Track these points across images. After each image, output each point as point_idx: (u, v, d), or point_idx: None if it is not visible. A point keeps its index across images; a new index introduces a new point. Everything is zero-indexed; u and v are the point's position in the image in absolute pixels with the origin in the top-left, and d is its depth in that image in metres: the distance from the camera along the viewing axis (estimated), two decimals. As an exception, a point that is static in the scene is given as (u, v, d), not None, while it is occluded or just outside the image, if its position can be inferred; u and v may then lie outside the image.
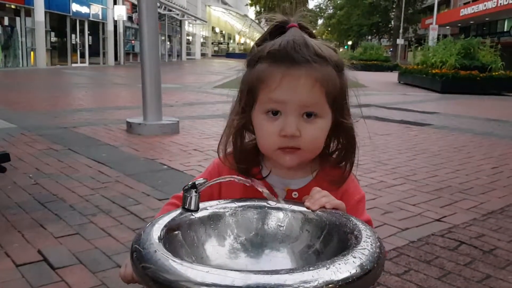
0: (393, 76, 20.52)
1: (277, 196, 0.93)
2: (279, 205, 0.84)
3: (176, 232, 0.75)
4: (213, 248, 0.78)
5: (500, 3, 28.40)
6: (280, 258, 0.79)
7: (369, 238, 0.68)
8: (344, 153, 0.96)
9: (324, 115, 0.89)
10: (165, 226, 0.74)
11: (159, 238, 0.69)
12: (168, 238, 0.71)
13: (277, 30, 0.91)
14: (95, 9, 25.42)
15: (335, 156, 0.98)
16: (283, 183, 0.96)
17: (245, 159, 0.97)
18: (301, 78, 0.84)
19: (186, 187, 0.80)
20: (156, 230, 0.71)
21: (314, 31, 0.95)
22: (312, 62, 0.85)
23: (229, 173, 0.98)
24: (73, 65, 23.58)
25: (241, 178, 0.84)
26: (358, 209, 0.95)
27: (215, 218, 0.81)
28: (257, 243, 0.80)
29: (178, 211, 0.80)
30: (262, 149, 0.93)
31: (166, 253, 0.63)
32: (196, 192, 0.80)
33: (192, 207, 0.79)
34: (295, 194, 0.95)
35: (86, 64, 24.83)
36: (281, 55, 0.85)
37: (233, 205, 0.84)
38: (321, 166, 0.97)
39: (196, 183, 0.80)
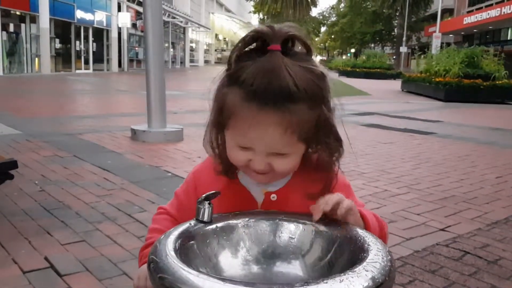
0: (396, 84, 20.55)
1: (255, 202, 0.94)
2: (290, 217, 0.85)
3: (191, 243, 0.76)
4: (226, 259, 0.80)
5: (504, 12, 28.47)
6: (292, 270, 0.80)
7: (380, 251, 0.70)
8: (324, 154, 0.92)
9: (295, 149, 0.86)
10: (180, 237, 0.75)
11: (175, 249, 0.70)
12: (183, 249, 0.73)
13: (258, 44, 0.85)
14: (100, 16, 25.57)
15: (316, 156, 0.93)
16: (260, 186, 0.94)
17: (224, 160, 0.94)
18: (270, 127, 0.81)
19: (200, 199, 0.81)
20: (172, 241, 0.73)
21: (304, 41, 0.87)
22: (283, 108, 0.80)
23: (207, 180, 0.99)
24: (77, 71, 23.69)
25: None
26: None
27: (228, 230, 0.83)
28: (269, 255, 0.82)
29: (192, 222, 0.82)
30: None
31: (183, 264, 0.65)
32: (209, 204, 0.81)
33: (206, 219, 0.81)
34: (273, 197, 0.93)
35: (90, 71, 24.95)
36: (253, 93, 0.80)
37: (246, 216, 0.85)
38: (300, 165, 0.92)
39: (209, 195, 0.81)
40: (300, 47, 0.88)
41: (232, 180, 0.96)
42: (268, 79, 0.78)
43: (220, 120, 0.88)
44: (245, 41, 0.85)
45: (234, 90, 0.83)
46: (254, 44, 0.86)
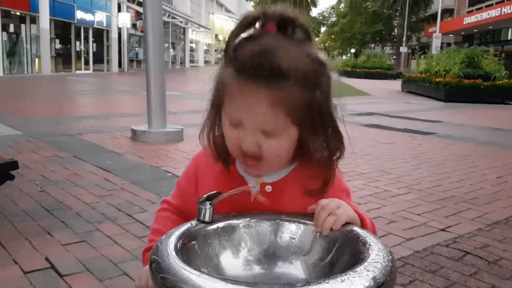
0: (396, 84, 20.55)
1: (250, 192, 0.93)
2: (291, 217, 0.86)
3: (192, 243, 0.77)
4: (227, 259, 0.80)
5: (504, 12, 28.49)
6: (293, 270, 0.80)
7: (381, 252, 0.70)
8: (325, 154, 0.91)
9: (286, 131, 0.85)
10: (181, 237, 0.76)
11: (176, 250, 0.71)
12: (185, 249, 0.73)
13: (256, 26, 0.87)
14: (100, 17, 25.58)
15: (316, 155, 0.92)
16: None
17: (222, 147, 0.95)
18: (259, 102, 0.81)
19: (201, 199, 0.82)
20: (173, 242, 0.73)
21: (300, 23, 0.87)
22: (273, 84, 0.80)
23: (205, 166, 1.01)
24: (78, 72, 23.69)
25: (244, 187, 0.88)
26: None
27: (229, 230, 0.83)
28: (270, 255, 0.82)
29: (194, 222, 0.82)
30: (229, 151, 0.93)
31: (184, 264, 0.65)
32: (210, 204, 0.82)
33: (207, 219, 0.81)
34: (268, 188, 0.92)
35: (90, 71, 24.96)
36: (245, 70, 0.81)
37: (247, 217, 0.86)
38: (299, 162, 0.93)
39: (211, 195, 0.82)
40: (299, 32, 0.87)
41: (229, 168, 0.97)
42: (259, 57, 0.80)
43: (217, 100, 0.91)
44: (242, 25, 0.87)
45: (228, 69, 0.86)
46: (252, 27, 0.87)
